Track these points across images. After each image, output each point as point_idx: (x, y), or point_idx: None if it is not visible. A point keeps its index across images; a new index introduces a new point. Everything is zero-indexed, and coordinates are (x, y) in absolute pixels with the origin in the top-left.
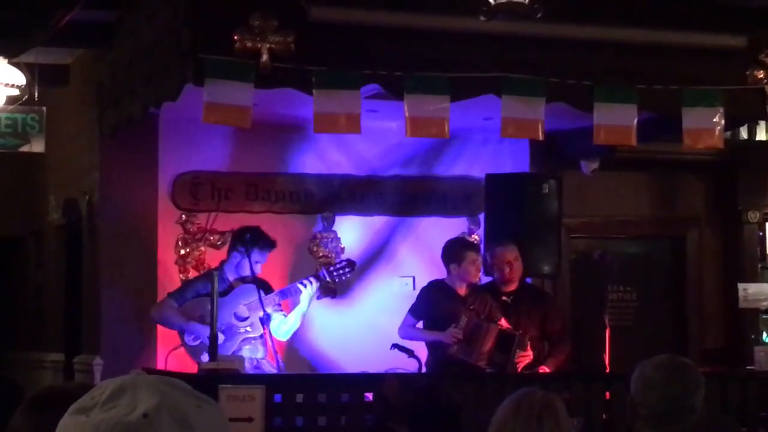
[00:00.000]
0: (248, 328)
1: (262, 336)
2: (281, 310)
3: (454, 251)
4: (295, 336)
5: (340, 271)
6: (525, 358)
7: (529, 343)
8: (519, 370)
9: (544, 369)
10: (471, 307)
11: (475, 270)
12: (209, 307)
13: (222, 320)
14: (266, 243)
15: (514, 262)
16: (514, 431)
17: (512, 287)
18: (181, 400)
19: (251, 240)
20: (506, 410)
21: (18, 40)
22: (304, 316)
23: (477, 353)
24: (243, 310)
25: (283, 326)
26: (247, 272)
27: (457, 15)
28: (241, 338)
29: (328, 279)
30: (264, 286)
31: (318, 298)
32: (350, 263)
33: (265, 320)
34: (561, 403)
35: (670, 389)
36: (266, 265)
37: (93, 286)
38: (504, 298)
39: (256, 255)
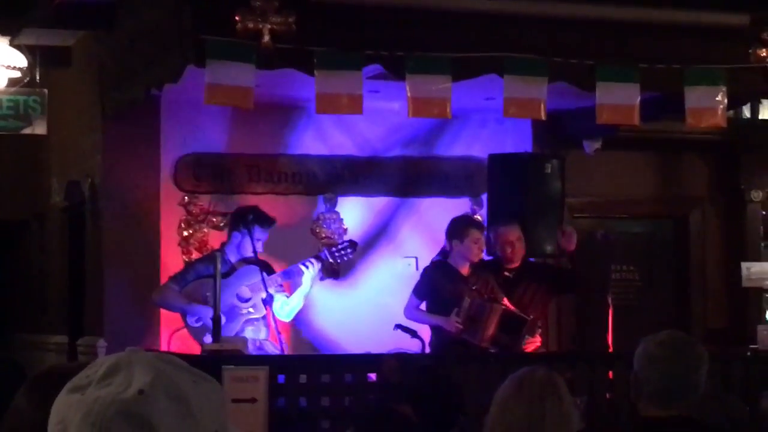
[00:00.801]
0: (250, 309)
1: (264, 317)
2: (283, 291)
3: (457, 228)
4: (298, 317)
5: (342, 252)
6: (533, 343)
7: (540, 329)
8: None
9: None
10: (473, 287)
11: (477, 248)
12: (211, 288)
13: (224, 301)
14: (267, 220)
15: (516, 242)
16: (517, 410)
17: (514, 265)
18: (176, 376)
19: (253, 219)
20: (508, 389)
21: (17, 17)
22: (306, 296)
23: (481, 334)
24: (245, 291)
25: (285, 307)
26: (249, 252)
27: None
28: (244, 319)
29: (330, 260)
30: (266, 267)
31: (321, 279)
32: (352, 244)
33: (268, 301)
34: (563, 381)
35: (674, 366)
36: (269, 247)
37: (96, 269)
38: (506, 273)
39: (257, 233)
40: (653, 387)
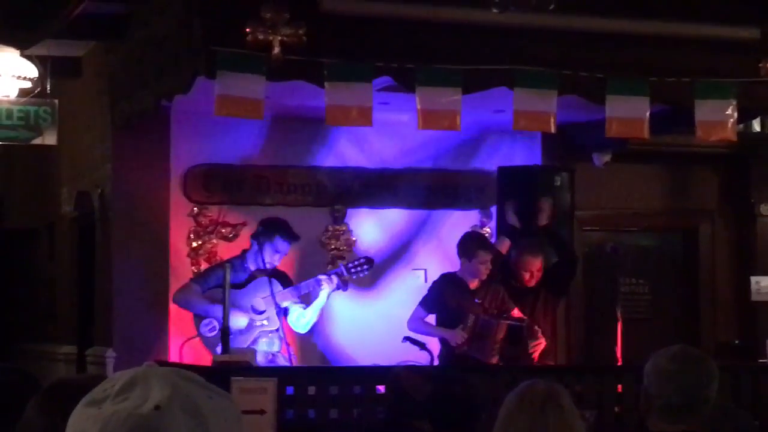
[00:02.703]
0: (264, 322)
1: (278, 329)
2: (301, 303)
3: (467, 247)
4: (314, 330)
5: (359, 269)
6: (539, 346)
7: (539, 329)
8: (536, 358)
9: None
10: (481, 301)
11: (484, 269)
12: (232, 295)
13: (241, 310)
14: (286, 235)
15: (536, 272)
16: (519, 423)
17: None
18: (193, 392)
19: (270, 231)
20: (510, 403)
21: (30, 31)
22: (321, 309)
23: (489, 350)
24: (259, 303)
25: (302, 319)
26: (261, 264)
27: (469, 7)
28: (258, 331)
29: (345, 275)
30: (283, 279)
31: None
32: (369, 261)
33: (283, 313)
34: (565, 392)
35: (684, 380)
36: None
37: (105, 279)
38: (516, 283)
39: (273, 246)
40: (663, 402)
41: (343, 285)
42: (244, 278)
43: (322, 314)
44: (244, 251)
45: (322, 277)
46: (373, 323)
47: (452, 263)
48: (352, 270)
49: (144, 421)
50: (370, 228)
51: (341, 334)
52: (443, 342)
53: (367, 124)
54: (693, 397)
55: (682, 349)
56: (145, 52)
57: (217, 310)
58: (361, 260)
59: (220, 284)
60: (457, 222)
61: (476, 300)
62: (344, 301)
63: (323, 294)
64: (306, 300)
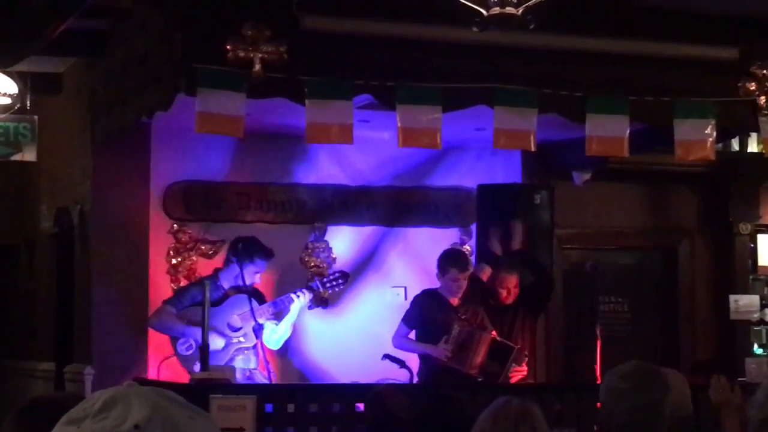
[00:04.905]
0: (241, 339)
1: (254, 346)
2: (274, 319)
3: (442, 263)
4: (288, 345)
5: (334, 283)
6: (519, 373)
7: (527, 359)
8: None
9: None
10: (463, 317)
11: (455, 286)
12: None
13: (217, 330)
14: (263, 253)
15: (513, 289)
16: None
17: (505, 304)
18: (173, 411)
19: (248, 251)
20: (485, 420)
21: (12, 51)
22: (293, 324)
23: (469, 361)
24: (236, 321)
25: (274, 335)
26: (241, 282)
27: (449, 25)
28: (234, 348)
29: (321, 290)
30: (258, 296)
31: (309, 308)
32: (344, 275)
33: (258, 330)
34: (538, 410)
35: (638, 398)
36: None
37: (84, 295)
38: (494, 302)
39: (254, 266)
40: (620, 420)
41: (323, 303)
42: (218, 296)
43: (301, 331)
44: (216, 270)
45: (295, 293)
46: (351, 340)
47: (431, 280)
48: (327, 284)
49: None
50: (350, 245)
51: (319, 351)
52: (423, 358)
53: (348, 141)
54: (648, 414)
55: (633, 367)
56: (126, 69)
57: (194, 332)
58: (336, 274)
59: (194, 303)
60: (437, 240)
61: (460, 315)
62: (322, 318)
63: (294, 308)
64: (279, 316)
